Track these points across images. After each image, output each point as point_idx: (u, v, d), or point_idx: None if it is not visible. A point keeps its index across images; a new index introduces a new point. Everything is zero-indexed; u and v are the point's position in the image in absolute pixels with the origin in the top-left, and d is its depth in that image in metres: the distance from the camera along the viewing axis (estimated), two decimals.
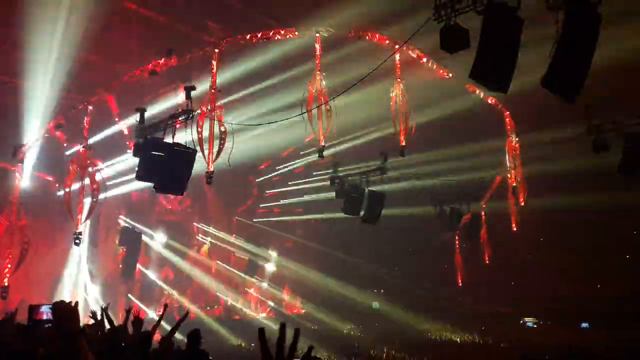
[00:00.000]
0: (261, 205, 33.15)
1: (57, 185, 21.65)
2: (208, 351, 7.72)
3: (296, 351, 1.58)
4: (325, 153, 15.87)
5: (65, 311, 1.86)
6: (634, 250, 27.73)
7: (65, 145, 19.50)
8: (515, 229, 22.95)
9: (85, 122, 17.44)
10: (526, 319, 28.13)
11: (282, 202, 32.53)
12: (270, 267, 33.16)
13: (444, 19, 11.07)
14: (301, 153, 26.88)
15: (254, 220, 32.80)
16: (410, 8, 13.47)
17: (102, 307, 7.78)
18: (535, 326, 27.43)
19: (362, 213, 18.89)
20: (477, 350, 18.24)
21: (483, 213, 24.36)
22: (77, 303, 1.92)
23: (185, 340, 7.65)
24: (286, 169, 29.48)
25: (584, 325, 25.47)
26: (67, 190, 17.97)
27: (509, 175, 21.73)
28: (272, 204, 33.29)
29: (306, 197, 30.27)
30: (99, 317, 7.46)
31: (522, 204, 21.97)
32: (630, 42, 15.32)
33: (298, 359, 1.59)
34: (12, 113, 18.85)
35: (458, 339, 22.77)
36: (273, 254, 33.33)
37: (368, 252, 31.91)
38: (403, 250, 33.14)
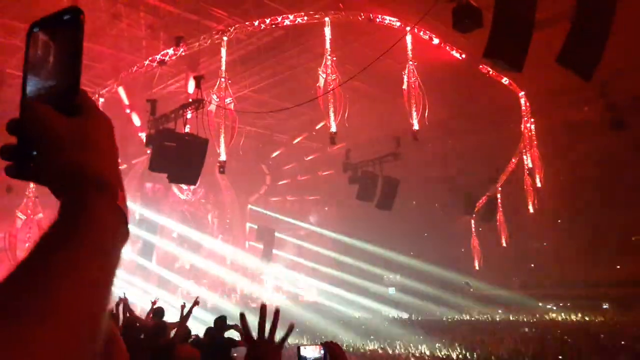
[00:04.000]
0: (273, 196, 33.15)
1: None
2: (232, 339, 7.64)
3: (275, 332, 1.65)
4: (338, 139, 15.71)
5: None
6: None
7: None
8: (532, 211, 22.67)
9: None
10: (545, 302, 27.91)
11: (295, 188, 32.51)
12: (285, 254, 33.25)
13: None
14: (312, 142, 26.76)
15: (268, 207, 32.83)
16: None
17: (120, 298, 7.73)
18: (554, 308, 27.22)
19: (376, 199, 18.76)
20: (496, 331, 18.12)
21: (499, 196, 24.09)
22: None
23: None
24: (298, 156, 29.39)
25: (604, 306, 25.20)
26: None
27: (524, 157, 21.42)
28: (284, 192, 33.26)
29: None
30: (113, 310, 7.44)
31: (539, 185, 21.68)
32: None
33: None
34: None
35: (475, 317, 22.73)
36: (289, 240, 33.39)
37: (383, 237, 31.79)
38: (418, 235, 32.97)
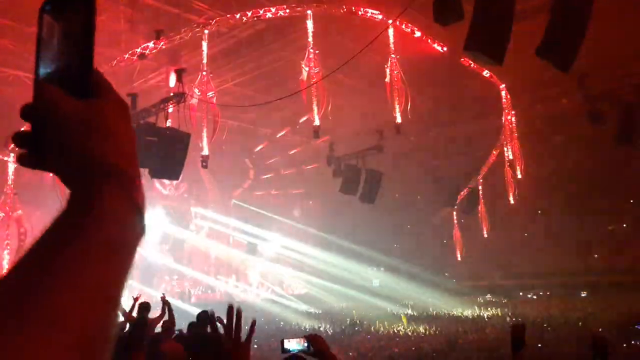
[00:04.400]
0: (257, 191, 33.05)
1: (50, 174, 21.42)
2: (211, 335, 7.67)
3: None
4: (322, 133, 15.75)
5: None
6: (631, 220, 27.90)
7: None
8: (513, 203, 22.98)
9: None
10: (526, 292, 28.37)
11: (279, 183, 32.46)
12: (269, 249, 33.25)
13: None
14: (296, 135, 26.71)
15: (252, 202, 32.75)
16: None
17: None
18: (535, 297, 27.68)
19: (359, 192, 18.84)
20: (481, 323, 18.34)
21: (480, 187, 24.36)
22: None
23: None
24: (282, 150, 29.33)
25: (582, 294, 25.70)
26: None
27: (505, 149, 21.66)
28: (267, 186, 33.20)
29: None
30: None
31: (520, 177, 21.96)
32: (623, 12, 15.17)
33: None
34: (2, 102, 18.60)
35: (460, 313, 22.95)
36: (273, 235, 33.40)
37: (366, 229, 31.96)
38: (402, 227, 33.23)
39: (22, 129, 0.65)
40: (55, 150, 0.63)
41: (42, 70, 0.64)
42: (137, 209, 0.64)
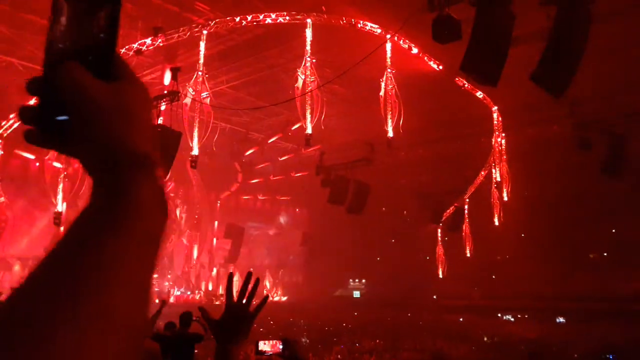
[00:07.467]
0: (244, 195, 32.95)
1: (37, 163, 21.25)
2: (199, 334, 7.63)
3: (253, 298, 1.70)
4: (313, 142, 15.76)
5: None
6: (610, 249, 28.21)
7: None
8: (497, 224, 23.11)
9: None
10: (504, 313, 28.46)
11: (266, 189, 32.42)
12: (251, 254, 33.12)
13: (436, 9, 11.03)
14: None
15: (238, 205, 32.64)
16: None
17: None
18: (513, 319, 27.76)
19: (347, 203, 18.87)
20: (459, 342, 18.35)
21: (466, 207, 24.48)
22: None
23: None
24: (272, 156, 29.32)
25: (560, 320, 25.83)
26: (47, 169, 17.65)
27: (493, 171, 21.82)
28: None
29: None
30: None
31: (506, 199, 22.11)
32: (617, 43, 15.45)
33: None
34: None
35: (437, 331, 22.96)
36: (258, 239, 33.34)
37: (351, 242, 31.97)
38: (386, 241, 33.27)
39: (31, 102, 0.60)
40: (80, 134, 0.59)
41: (56, 49, 0.58)
42: (164, 199, 0.62)
